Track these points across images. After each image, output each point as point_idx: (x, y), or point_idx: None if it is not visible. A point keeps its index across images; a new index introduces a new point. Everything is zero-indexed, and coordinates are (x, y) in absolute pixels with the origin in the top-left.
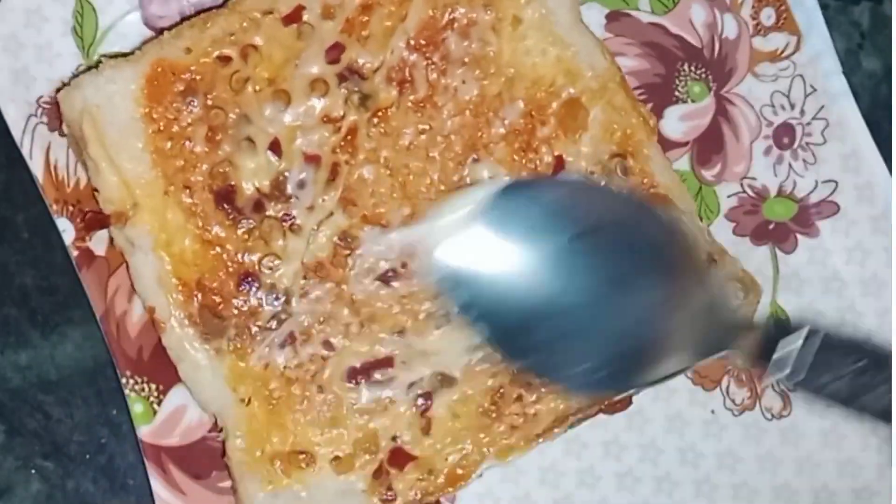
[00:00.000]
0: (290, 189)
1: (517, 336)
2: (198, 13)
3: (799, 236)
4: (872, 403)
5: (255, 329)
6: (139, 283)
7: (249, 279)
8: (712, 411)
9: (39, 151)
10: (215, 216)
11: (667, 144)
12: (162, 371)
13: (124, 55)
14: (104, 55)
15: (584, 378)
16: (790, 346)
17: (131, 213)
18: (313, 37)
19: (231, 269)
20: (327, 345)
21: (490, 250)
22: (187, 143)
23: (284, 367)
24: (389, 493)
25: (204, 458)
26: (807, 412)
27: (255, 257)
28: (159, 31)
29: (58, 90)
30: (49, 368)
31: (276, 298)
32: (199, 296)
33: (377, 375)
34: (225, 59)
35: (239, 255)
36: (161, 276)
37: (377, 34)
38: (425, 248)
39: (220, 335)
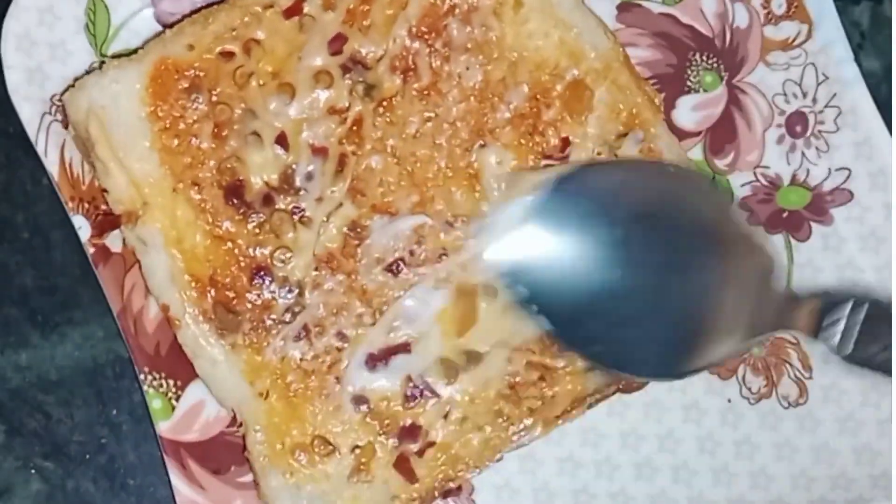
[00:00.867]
0: (298, 182)
1: (578, 326)
2: (202, 8)
3: (813, 224)
4: None
5: (269, 322)
6: (152, 282)
7: (262, 273)
8: (729, 400)
9: (54, 149)
10: (225, 212)
11: (680, 134)
12: (179, 367)
13: (128, 54)
14: (111, 55)
15: (645, 364)
16: (837, 316)
17: (141, 213)
18: (315, 29)
19: (243, 264)
20: (341, 336)
21: (546, 244)
22: (194, 140)
23: (301, 360)
24: (412, 480)
25: (223, 453)
26: (823, 400)
27: (266, 251)
28: (168, 28)
29: (64, 91)
30: (49, 368)
31: (289, 291)
32: (213, 291)
33: (395, 361)
34: (228, 55)
35: (250, 250)
36: (173, 273)
37: (379, 23)
38: (479, 249)
39: (234, 330)
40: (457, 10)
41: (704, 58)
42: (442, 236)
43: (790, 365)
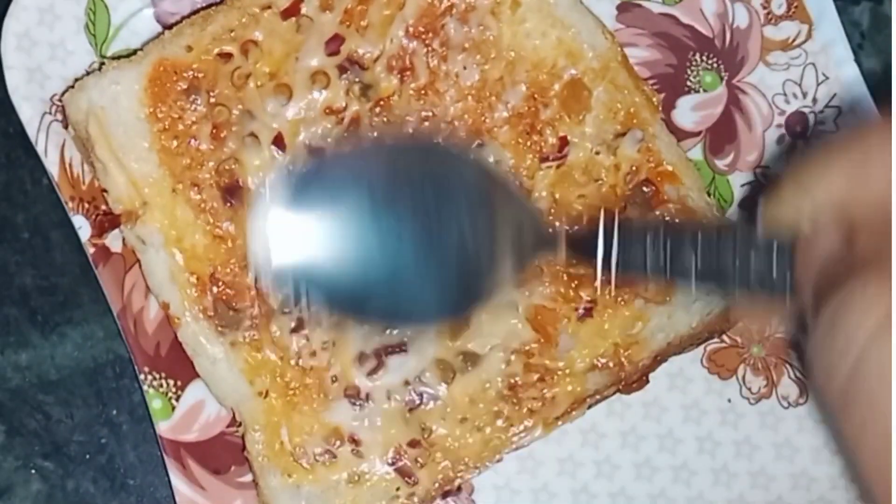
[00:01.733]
0: None
1: (369, 307)
2: (201, 9)
3: None
4: (682, 264)
5: (267, 317)
6: (152, 280)
7: None
8: (729, 400)
9: (54, 149)
10: (224, 212)
11: (679, 134)
12: (179, 367)
13: (128, 55)
14: (111, 56)
15: (433, 314)
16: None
17: (141, 212)
18: (312, 29)
19: (243, 263)
20: (337, 330)
21: (302, 239)
22: (192, 141)
23: (299, 357)
24: (411, 479)
25: (223, 453)
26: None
27: None
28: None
29: (64, 91)
30: (49, 368)
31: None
32: (213, 289)
33: (391, 362)
34: (226, 56)
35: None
36: (174, 271)
37: (376, 23)
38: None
39: (235, 327)
40: (454, 10)
41: (704, 58)
42: None
43: (790, 365)
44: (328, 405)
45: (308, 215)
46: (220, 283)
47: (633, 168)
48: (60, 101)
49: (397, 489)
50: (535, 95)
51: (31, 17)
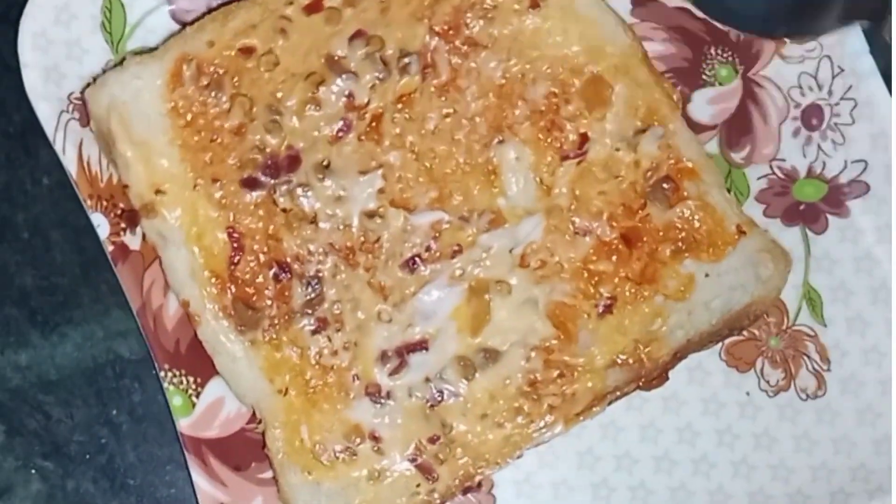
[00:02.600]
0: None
1: None
2: (221, 6)
3: (829, 217)
4: None
5: (288, 318)
6: (172, 277)
7: (282, 268)
8: (747, 393)
9: (72, 147)
10: (245, 208)
11: (695, 128)
12: (199, 364)
13: (149, 51)
14: (130, 52)
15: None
16: None
17: (159, 199)
18: (338, 23)
19: (263, 260)
20: (360, 331)
21: None
22: (214, 135)
23: (319, 356)
24: (431, 476)
25: (243, 450)
26: (842, 392)
27: (286, 245)
28: (186, 26)
29: (84, 88)
30: (49, 368)
31: (308, 286)
32: (233, 288)
33: (413, 359)
34: (247, 51)
35: (270, 245)
36: (194, 269)
37: (399, 20)
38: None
39: (254, 326)
40: (476, 7)
41: (719, 51)
42: (457, 232)
43: (808, 357)
44: (349, 403)
45: None
46: (240, 282)
47: (653, 165)
48: (79, 98)
49: (417, 485)
50: (556, 92)
51: (48, 16)
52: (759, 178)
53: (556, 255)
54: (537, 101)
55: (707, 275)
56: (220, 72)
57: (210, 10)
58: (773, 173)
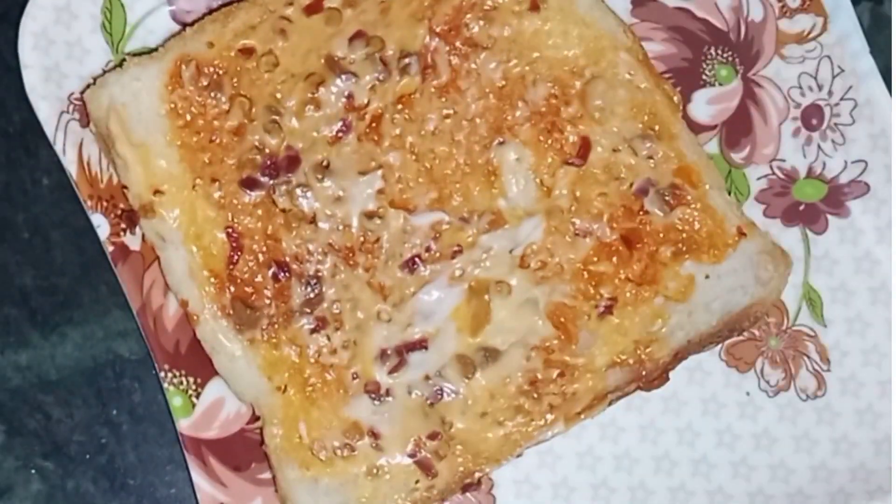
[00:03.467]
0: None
1: None
2: (221, 7)
3: (829, 217)
4: None
5: (287, 317)
6: (171, 277)
7: (281, 268)
8: (747, 393)
9: (72, 147)
10: (244, 208)
11: (695, 128)
12: (199, 364)
13: (149, 52)
14: (129, 53)
15: None
16: None
17: (157, 200)
18: (339, 24)
19: (262, 260)
20: (359, 330)
21: None
22: (213, 136)
23: (318, 354)
24: (430, 472)
25: (243, 450)
26: (841, 392)
27: (285, 245)
28: (186, 26)
29: (84, 89)
30: (49, 368)
31: (307, 286)
32: (231, 287)
33: (413, 358)
34: (247, 52)
35: (269, 245)
36: (192, 268)
37: (399, 21)
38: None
39: (253, 326)
40: (476, 8)
41: (719, 51)
42: (457, 233)
43: (808, 357)
44: (347, 401)
45: None
46: (238, 281)
47: (654, 167)
48: (79, 98)
49: (416, 482)
50: (557, 94)
51: (48, 16)
52: (758, 179)
53: (556, 256)
54: (537, 103)
55: (707, 276)
56: (220, 72)
57: (210, 11)
58: (773, 173)
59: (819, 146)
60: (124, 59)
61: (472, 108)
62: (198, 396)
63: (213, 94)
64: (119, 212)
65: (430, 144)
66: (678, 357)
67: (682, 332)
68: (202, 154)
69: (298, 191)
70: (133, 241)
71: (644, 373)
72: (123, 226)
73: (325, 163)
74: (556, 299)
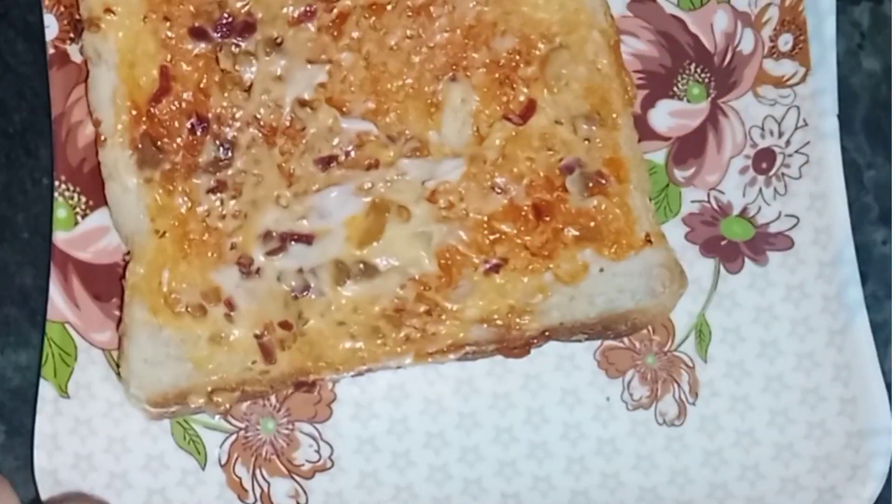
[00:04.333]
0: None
1: None
2: None
3: (747, 260)
4: None
5: (190, 169)
6: (93, 94)
7: (200, 122)
8: (608, 398)
9: None
10: (185, 55)
11: (650, 134)
12: (96, 188)
13: None
14: None
15: None
16: None
17: (106, 17)
18: None
19: (185, 108)
20: (254, 205)
21: None
22: None
23: (207, 214)
24: (270, 357)
25: (110, 284)
26: (698, 429)
27: (212, 102)
28: None
29: None
30: None
31: (220, 147)
32: (147, 123)
33: (293, 248)
34: None
35: (197, 98)
36: (116, 93)
37: None
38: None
39: (154, 166)
40: None
41: (699, 70)
42: (380, 149)
43: (678, 385)
44: (217, 266)
45: None
46: (155, 120)
47: (588, 150)
48: None
49: (253, 362)
50: (521, 51)
51: None
52: (692, 202)
53: (465, 202)
54: (500, 53)
55: (602, 269)
56: None
57: None
58: (709, 202)
59: (761, 190)
60: None
61: (437, 37)
62: (84, 217)
63: None
64: (71, 19)
65: (384, 58)
66: (545, 335)
67: (559, 313)
68: None
69: (243, 58)
70: (76, 54)
71: (507, 338)
72: (72, 35)
73: (278, 40)
74: (449, 242)
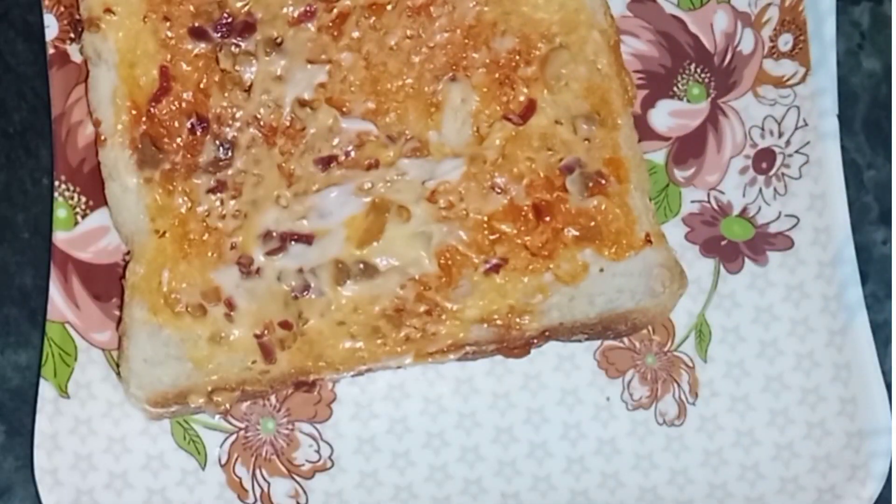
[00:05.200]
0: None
1: None
2: None
3: (747, 260)
4: None
5: (190, 169)
6: (93, 94)
7: (200, 122)
8: (608, 398)
9: None
10: (185, 55)
11: (650, 134)
12: (96, 188)
13: None
14: None
15: None
16: None
17: (106, 17)
18: None
19: (185, 108)
20: (254, 205)
21: None
22: None
23: (207, 214)
24: (270, 357)
25: (109, 283)
26: (698, 429)
27: (212, 102)
28: None
29: None
30: None
31: (220, 147)
32: (147, 123)
33: (293, 249)
34: None
35: (197, 98)
36: (116, 93)
37: None
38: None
39: (154, 166)
40: None
41: (699, 70)
42: (380, 149)
43: (678, 385)
44: (217, 266)
45: None
46: (155, 120)
47: (588, 150)
48: None
49: (253, 362)
50: (521, 51)
51: None
52: (692, 202)
53: (465, 202)
54: (500, 53)
55: (602, 269)
56: None
57: None
58: (708, 202)
59: (761, 190)
60: None
61: (437, 37)
62: (84, 217)
63: None
64: (71, 19)
65: (384, 58)
66: (545, 335)
67: (559, 313)
68: None
69: (243, 58)
70: (76, 54)
71: (507, 338)
72: (72, 35)
73: (278, 40)
74: (449, 242)
